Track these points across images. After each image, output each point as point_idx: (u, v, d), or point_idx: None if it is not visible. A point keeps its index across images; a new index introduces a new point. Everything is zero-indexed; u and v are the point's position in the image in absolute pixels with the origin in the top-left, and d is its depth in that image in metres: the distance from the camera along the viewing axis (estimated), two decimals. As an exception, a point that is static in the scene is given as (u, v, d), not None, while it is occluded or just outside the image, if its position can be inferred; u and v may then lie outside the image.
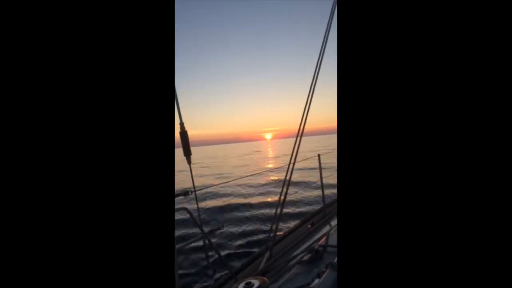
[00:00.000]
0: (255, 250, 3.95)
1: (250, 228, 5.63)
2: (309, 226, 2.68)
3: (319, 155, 3.19)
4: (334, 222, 2.58)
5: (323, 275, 1.15)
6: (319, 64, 1.88)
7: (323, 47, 1.85)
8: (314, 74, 1.91)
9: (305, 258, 1.51)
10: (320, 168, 3.11)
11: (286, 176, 2.04)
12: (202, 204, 7.69)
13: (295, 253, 1.66)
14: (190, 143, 1.26)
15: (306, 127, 1.96)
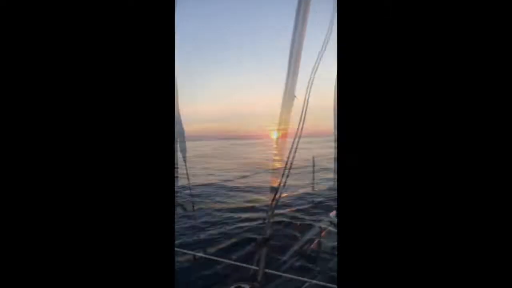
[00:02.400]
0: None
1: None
2: (298, 224, 2.80)
3: (313, 157, 3.48)
4: (322, 223, 2.69)
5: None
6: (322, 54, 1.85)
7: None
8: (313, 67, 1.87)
9: (297, 263, 1.52)
10: (313, 170, 3.36)
11: (283, 173, 1.99)
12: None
13: (287, 257, 1.67)
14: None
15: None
